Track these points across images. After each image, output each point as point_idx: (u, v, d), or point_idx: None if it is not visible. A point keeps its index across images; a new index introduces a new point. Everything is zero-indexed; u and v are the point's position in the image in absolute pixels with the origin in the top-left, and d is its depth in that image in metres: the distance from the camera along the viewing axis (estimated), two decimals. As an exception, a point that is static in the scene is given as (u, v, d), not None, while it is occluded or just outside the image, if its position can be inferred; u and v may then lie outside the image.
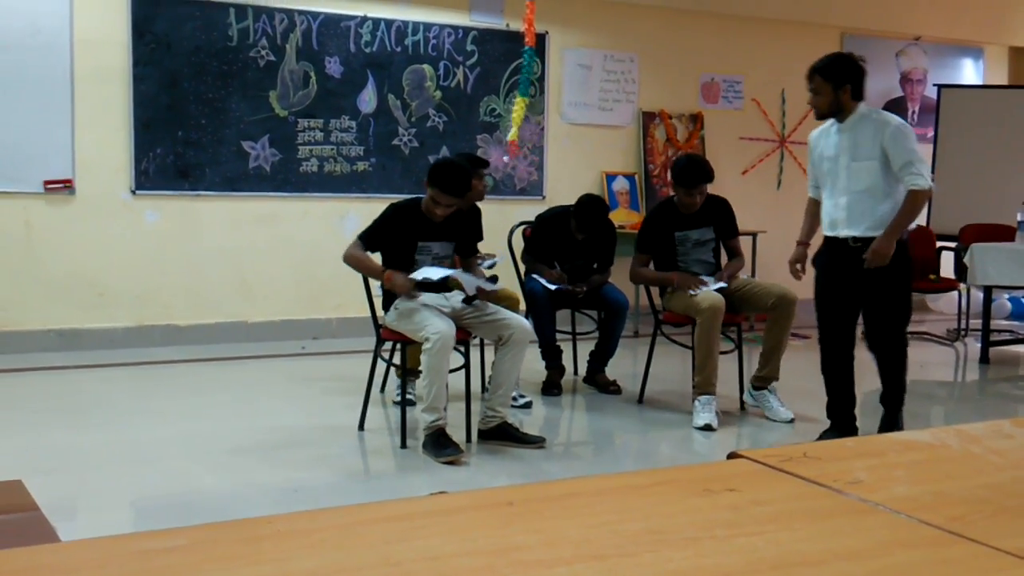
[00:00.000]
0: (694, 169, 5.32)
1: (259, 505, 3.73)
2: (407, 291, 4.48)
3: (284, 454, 4.40)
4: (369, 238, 4.63)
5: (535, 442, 4.61)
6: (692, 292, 5.16)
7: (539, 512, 1.31)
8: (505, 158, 4.14)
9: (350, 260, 4.60)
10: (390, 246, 4.64)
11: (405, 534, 1.23)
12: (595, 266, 5.82)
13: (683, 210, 5.39)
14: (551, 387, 5.71)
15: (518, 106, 4.03)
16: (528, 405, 5.39)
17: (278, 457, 4.37)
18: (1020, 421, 1.85)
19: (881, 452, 1.64)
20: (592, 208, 5.70)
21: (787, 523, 1.29)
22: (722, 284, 5.25)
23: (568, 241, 5.79)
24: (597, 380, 5.83)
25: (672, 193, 5.47)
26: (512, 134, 4.06)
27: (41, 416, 5.04)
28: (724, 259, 5.57)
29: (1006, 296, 9.19)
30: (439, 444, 4.32)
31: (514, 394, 5.11)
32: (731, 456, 1.58)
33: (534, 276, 5.72)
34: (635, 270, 5.51)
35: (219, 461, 4.32)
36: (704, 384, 5.08)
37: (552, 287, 5.58)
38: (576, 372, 6.15)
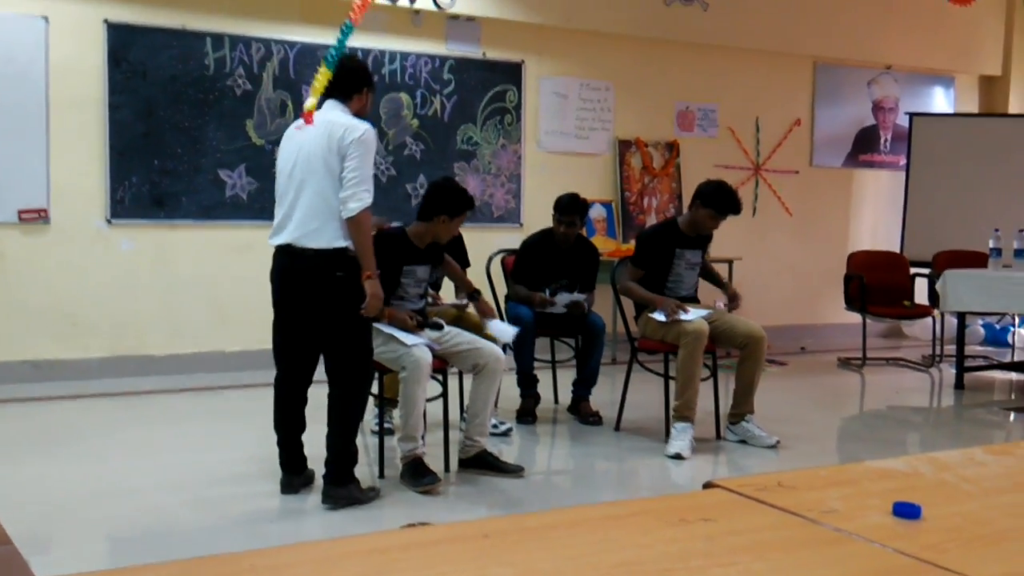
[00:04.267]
0: (733, 199, 5.30)
1: (235, 539, 3.69)
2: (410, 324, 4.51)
3: (261, 486, 4.36)
4: None
5: (514, 471, 4.60)
6: (675, 317, 5.13)
7: (514, 545, 1.31)
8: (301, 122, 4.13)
9: None
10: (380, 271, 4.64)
11: (381, 568, 1.23)
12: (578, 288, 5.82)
13: (688, 230, 5.39)
14: (525, 415, 5.71)
15: (322, 76, 3.97)
16: (508, 432, 5.38)
17: (255, 489, 4.33)
18: (993, 448, 1.86)
19: (855, 481, 1.65)
20: (570, 197, 5.81)
21: (762, 553, 1.29)
22: (707, 312, 5.27)
23: (552, 261, 5.81)
24: (580, 409, 5.80)
25: (674, 215, 5.46)
26: (310, 104, 4.01)
27: (14, 448, 4.98)
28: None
29: (979, 322, 9.28)
30: (417, 473, 4.31)
31: (495, 422, 5.11)
32: (706, 486, 1.59)
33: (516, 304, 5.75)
34: (625, 283, 5.44)
35: (196, 494, 4.28)
36: (683, 409, 5.07)
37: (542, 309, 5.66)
38: (556, 400, 6.15)
